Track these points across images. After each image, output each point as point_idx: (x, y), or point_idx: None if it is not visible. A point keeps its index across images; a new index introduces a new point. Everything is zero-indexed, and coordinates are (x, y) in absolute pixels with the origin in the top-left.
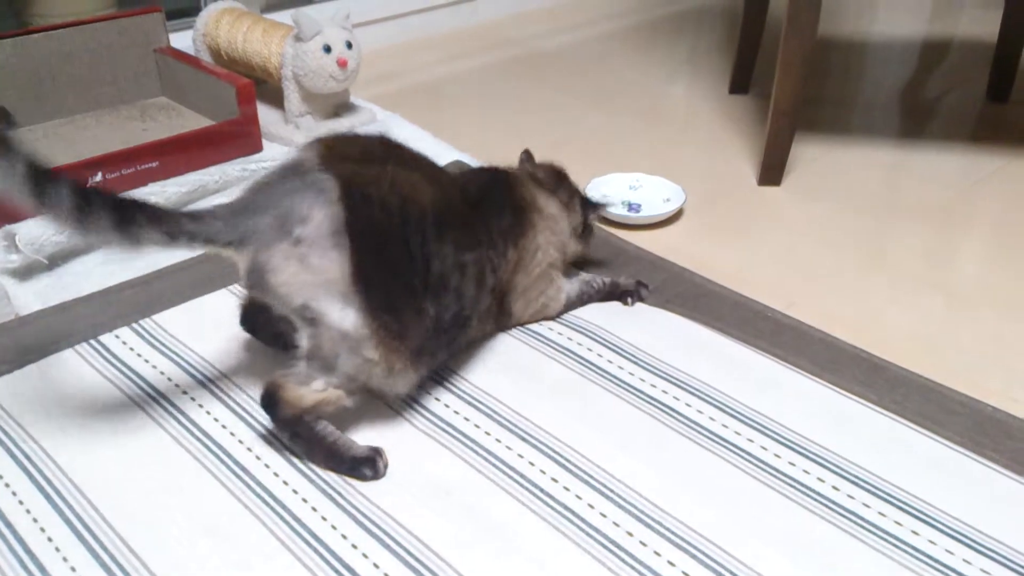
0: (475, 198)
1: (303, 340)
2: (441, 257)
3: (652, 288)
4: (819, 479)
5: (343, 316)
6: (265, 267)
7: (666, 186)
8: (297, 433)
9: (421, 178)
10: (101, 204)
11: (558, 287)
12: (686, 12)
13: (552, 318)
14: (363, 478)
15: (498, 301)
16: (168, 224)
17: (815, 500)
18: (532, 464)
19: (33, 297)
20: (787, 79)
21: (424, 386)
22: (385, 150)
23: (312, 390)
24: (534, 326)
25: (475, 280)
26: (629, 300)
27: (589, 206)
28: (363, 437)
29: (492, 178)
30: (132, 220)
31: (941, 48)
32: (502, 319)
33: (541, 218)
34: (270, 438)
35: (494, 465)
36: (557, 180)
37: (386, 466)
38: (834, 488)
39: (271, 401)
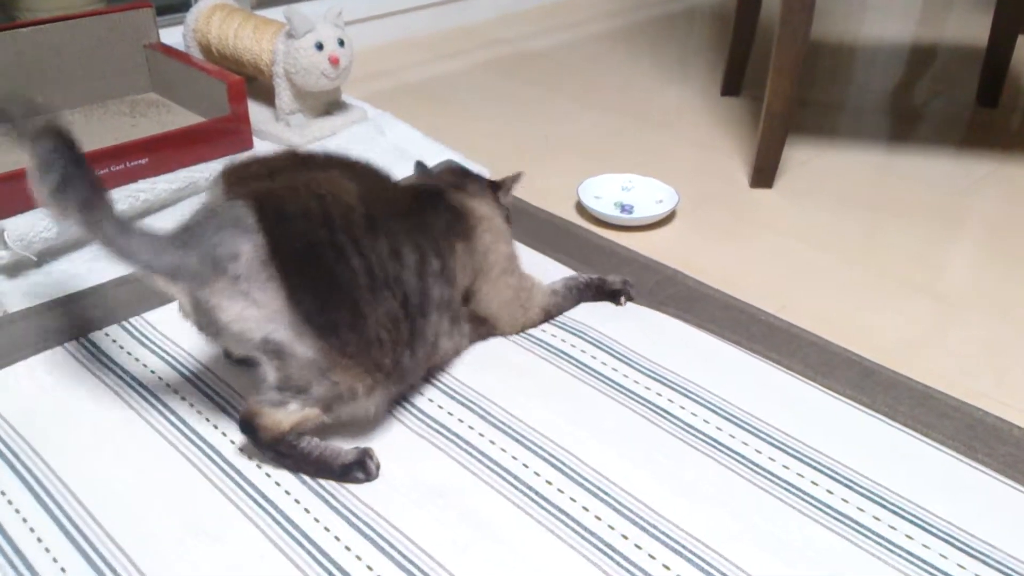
0: (412, 193)
1: (270, 372)
2: (376, 250)
3: (646, 290)
4: (813, 482)
5: (300, 344)
6: (212, 306)
7: (659, 187)
8: (281, 453)
9: (339, 174)
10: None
11: (531, 282)
12: (678, 13)
13: (540, 318)
14: (356, 481)
15: (469, 311)
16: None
17: (809, 503)
18: (526, 466)
19: (22, 294)
20: (780, 81)
21: (416, 386)
22: (292, 161)
23: (289, 412)
24: (532, 329)
25: (416, 268)
26: (621, 300)
27: (499, 188)
28: (354, 438)
29: (423, 188)
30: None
31: (931, 52)
32: (481, 327)
33: (477, 220)
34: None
35: (488, 467)
36: (465, 179)
37: (378, 467)
38: (828, 492)
39: (249, 428)
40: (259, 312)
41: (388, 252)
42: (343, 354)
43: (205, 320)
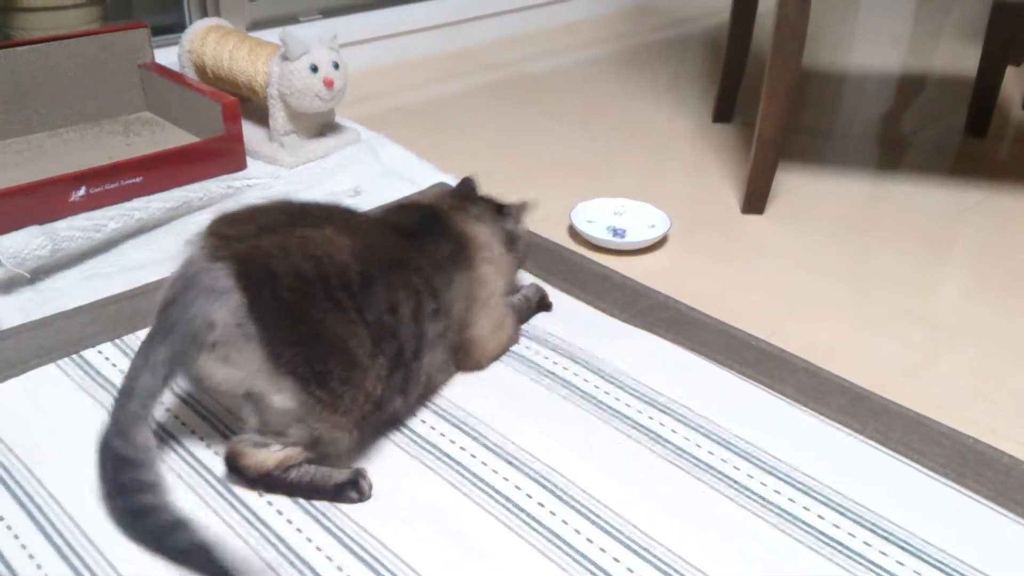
0: (410, 229)
1: (250, 417)
2: (373, 306)
3: (638, 313)
4: (804, 507)
5: (281, 397)
6: (200, 378)
7: (651, 212)
8: (270, 485)
9: (334, 232)
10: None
11: (509, 314)
12: (671, 40)
13: (513, 339)
14: (350, 501)
15: (457, 336)
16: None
17: (800, 528)
18: (518, 488)
19: (15, 311)
20: (772, 108)
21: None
22: (288, 215)
23: (271, 452)
24: (519, 348)
25: (411, 313)
26: (550, 304)
27: (504, 212)
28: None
29: (423, 213)
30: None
31: (920, 82)
32: (465, 359)
33: (477, 249)
34: None
35: (480, 488)
36: (468, 200)
37: (370, 487)
38: (819, 517)
39: (233, 468)
40: (240, 372)
41: (385, 308)
42: (328, 408)
43: (199, 386)
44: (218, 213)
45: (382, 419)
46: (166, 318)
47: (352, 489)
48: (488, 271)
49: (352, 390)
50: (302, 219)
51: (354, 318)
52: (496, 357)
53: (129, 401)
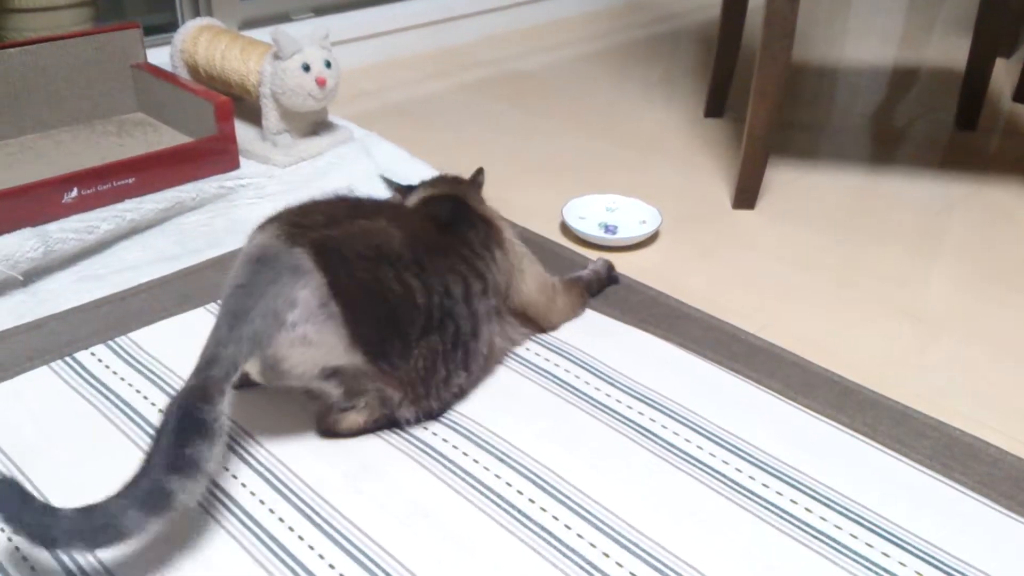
0: (446, 220)
1: (334, 392)
2: (426, 289)
3: (628, 310)
4: (792, 500)
5: (355, 367)
6: (275, 360)
7: (642, 208)
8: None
9: (387, 224)
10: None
11: (560, 279)
12: (661, 36)
13: (577, 298)
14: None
15: (510, 307)
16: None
17: (788, 521)
18: (509, 485)
19: (7, 313)
20: (761, 104)
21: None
22: (347, 208)
23: (359, 412)
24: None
25: (462, 296)
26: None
27: (476, 184)
28: (341, 457)
29: (453, 202)
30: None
31: (911, 75)
32: (527, 321)
33: (500, 228)
34: (246, 458)
35: (472, 486)
36: (464, 186)
37: None
38: (807, 510)
39: (332, 435)
40: (317, 352)
41: (441, 291)
42: (388, 377)
43: (271, 374)
44: (284, 207)
45: (450, 393)
46: (246, 298)
47: None
48: (513, 243)
49: (406, 363)
50: (358, 211)
51: (416, 299)
52: (568, 319)
53: (212, 368)
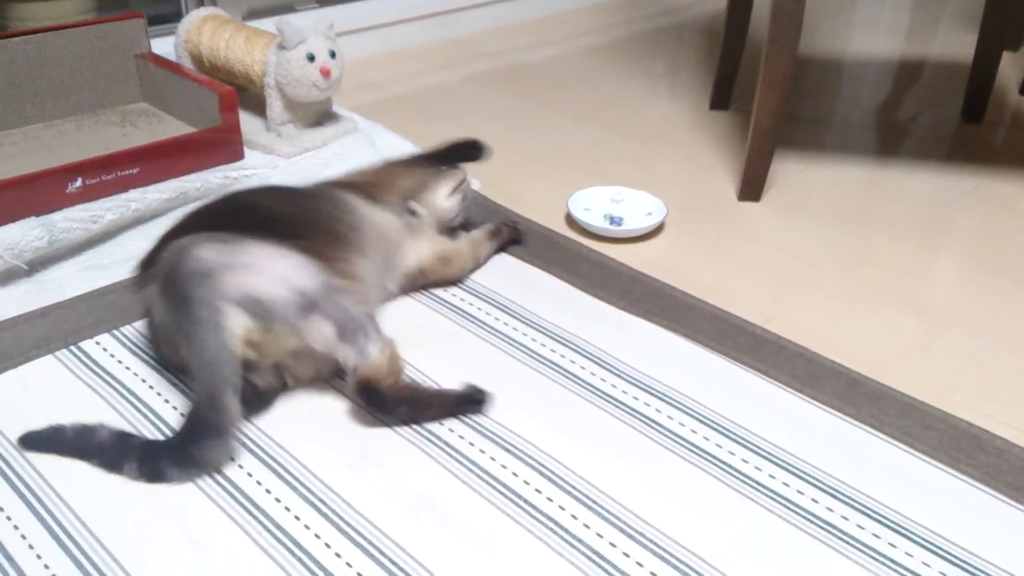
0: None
1: (323, 329)
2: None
3: (634, 301)
4: (799, 491)
5: (303, 278)
6: (248, 296)
7: (648, 200)
8: (409, 400)
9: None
10: None
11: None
12: (667, 28)
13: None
14: (473, 412)
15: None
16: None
17: (794, 512)
18: (516, 475)
19: (12, 303)
20: (768, 97)
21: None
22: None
23: (378, 353)
24: (516, 335)
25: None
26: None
27: None
28: (349, 448)
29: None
30: None
31: (917, 68)
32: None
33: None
34: (252, 447)
35: (479, 476)
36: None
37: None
38: (813, 500)
39: (373, 394)
40: (265, 276)
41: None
42: (321, 256)
43: (261, 324)
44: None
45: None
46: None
47: (471, 402)
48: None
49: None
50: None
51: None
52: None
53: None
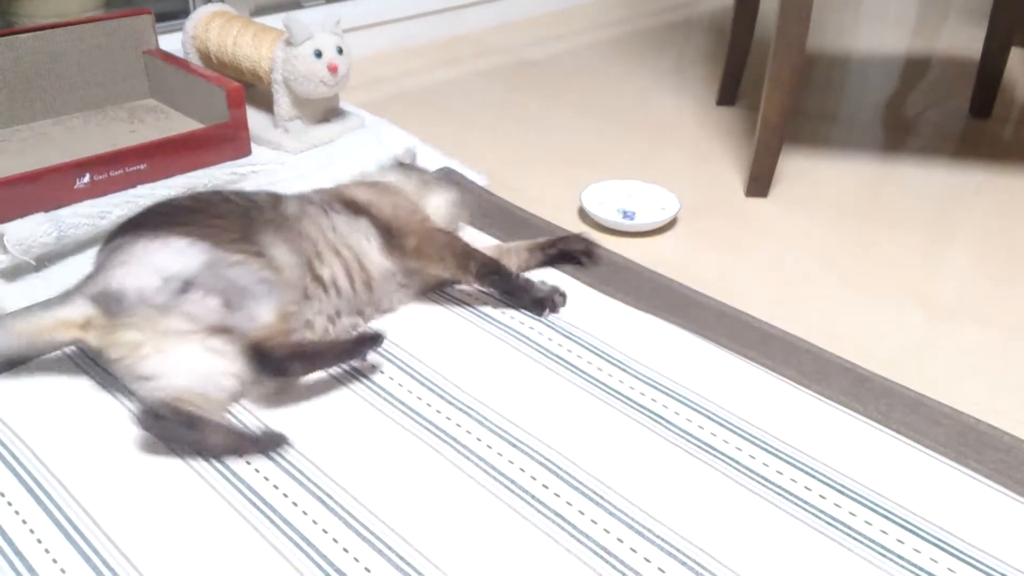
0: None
1: (207, 302)
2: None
3: (642, 296)
4: (806, 488)
5: (178, 262)
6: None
7: (662, 194)
8: (301, 355)
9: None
10: None
11: None
12: (674, 23)
13: None
14: (366, 352)
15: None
16: None
17: (803, 508)
18: (523, 470)
19: (20, 298)
20: (776, 92)
21: (414, 391)
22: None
23: (265, 315)
24: (524, 329)
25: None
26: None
27: None
28: (355, 441)
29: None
30: None
31: (925, 64)
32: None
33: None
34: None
35: (485, 471)
36: None
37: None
38: (821, 497)
39: (261, 356)
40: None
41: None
42: (206, 227)
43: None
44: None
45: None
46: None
47: (371, 343)
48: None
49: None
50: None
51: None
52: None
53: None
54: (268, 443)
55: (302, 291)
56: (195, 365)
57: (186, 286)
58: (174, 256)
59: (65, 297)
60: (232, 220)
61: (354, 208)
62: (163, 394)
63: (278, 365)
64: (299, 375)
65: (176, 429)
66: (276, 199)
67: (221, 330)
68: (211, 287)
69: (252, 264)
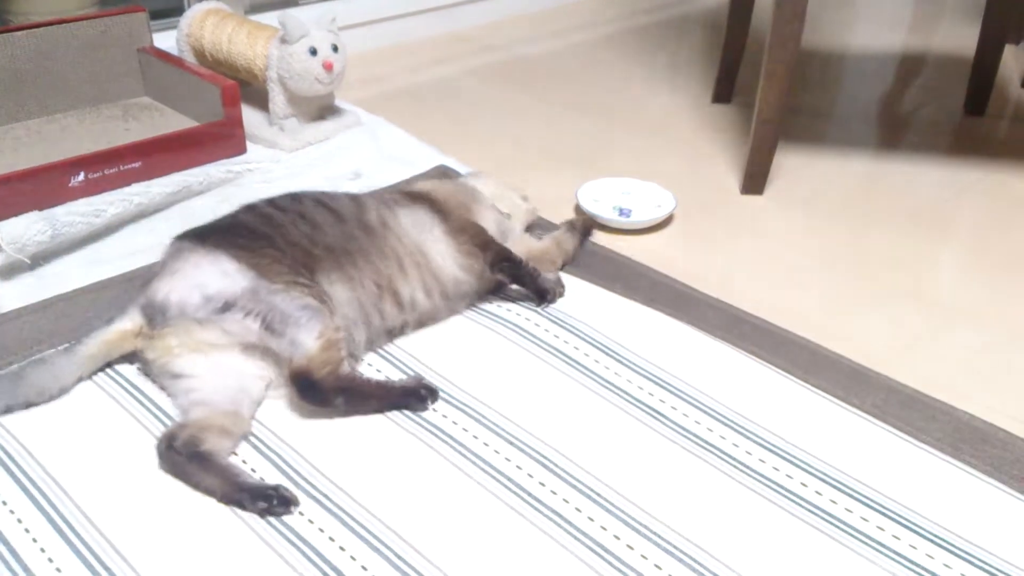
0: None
1: (247, 323)
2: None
3: (640, 292)
4: (802, 483)
5: (236, 277)
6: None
7: (657, 192)
8: (347, 390)
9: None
10: None
11: None
12: (669, 21)
13: None
14: (414, 408)
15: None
16: None
17: (798, 504)
18: (520, 468)
19: (14, 297)
20: (771, 89)
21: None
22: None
23: (311, 344)
24: (522, 322)
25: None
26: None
27: None
28: (354, 440)
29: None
30: None
31: (920, 61)
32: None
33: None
34: (255, 442)
35: (482, 469)
36: None
37: (433, 397)
38: (816, 492)
39: (308, 384)
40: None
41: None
42: (259, 256)
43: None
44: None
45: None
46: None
47: (416, 397)
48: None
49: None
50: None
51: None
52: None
53: None
54: (277, 505)
55: (364, 317)
56: (228, 366)
57: (227, 306)
58: (219, 277)
59: (122, 309)
60: (291, 252)
61: (412, 197)
62: (191, 414)
63: (323, 397)
64: (342, 412)
65: (185, 466)
66: (359, 207)
67: (258, 348)
68: (251, 310)
69: (294, 291)
